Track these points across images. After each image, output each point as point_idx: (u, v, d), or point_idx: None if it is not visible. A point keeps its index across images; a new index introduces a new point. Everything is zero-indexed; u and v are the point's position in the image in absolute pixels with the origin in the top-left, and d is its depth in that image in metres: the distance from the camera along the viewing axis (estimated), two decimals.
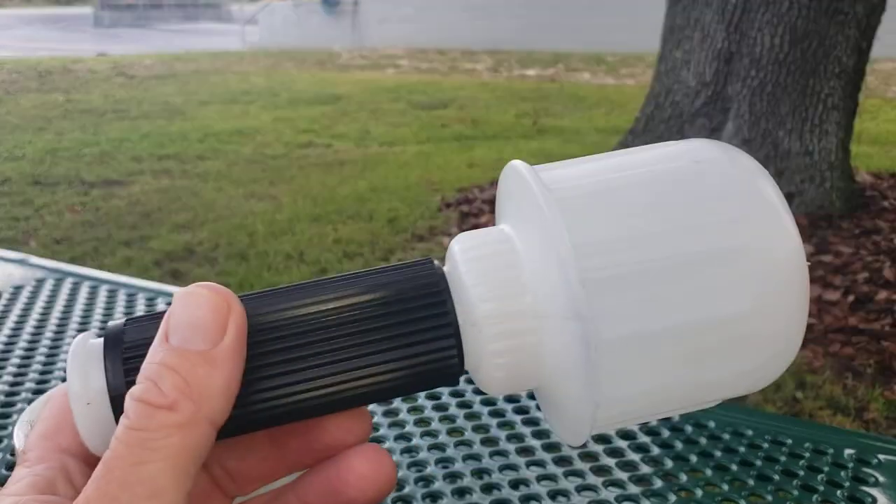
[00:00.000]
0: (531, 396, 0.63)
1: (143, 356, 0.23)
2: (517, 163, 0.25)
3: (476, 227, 3.59)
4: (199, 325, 0.22)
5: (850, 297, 2.68)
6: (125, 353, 0.23)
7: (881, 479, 0.52)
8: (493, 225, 0.28)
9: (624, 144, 3.80)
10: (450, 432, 0.58)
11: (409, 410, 0.61)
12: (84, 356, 0.24)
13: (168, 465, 0.21)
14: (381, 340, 0.24)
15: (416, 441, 0.57)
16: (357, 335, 0.24)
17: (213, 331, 0.22)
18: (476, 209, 3.82)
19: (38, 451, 0.24)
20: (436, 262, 0.26)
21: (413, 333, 0.24)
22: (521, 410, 0.60)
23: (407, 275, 0.25)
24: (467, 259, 0.25)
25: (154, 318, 0.24)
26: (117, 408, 0.23)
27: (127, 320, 0.24)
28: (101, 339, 0.24)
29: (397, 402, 0.63)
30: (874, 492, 0.51)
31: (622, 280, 0.22)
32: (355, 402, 0.25)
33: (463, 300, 0.24)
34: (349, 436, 0.26)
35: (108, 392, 0.23)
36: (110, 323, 0.25)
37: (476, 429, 0.59)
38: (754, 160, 0.25)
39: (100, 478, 0.21)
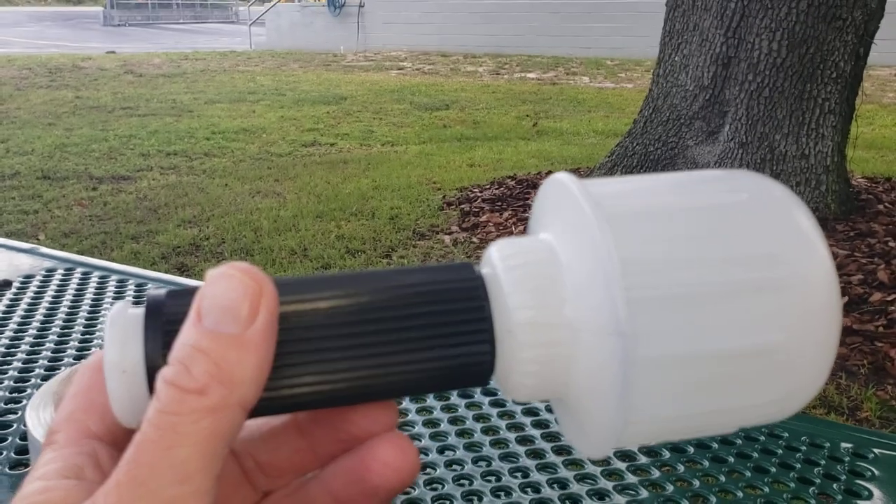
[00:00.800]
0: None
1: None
2: (564, 175, 0.25)
3: (476, 225, 3.62)
4: (231, 307, 0.22)
5: (845, 299, 2.70)
6: (165, 326, 0.23)
7: (877, 472, 0.53)
8: (523, 232, 0.28)
9: (623, 147, 3.82)
10: (459, 433, 0.59)
11: (419, 411, 0.61)
12: (123, 325, 0.23)
13: (198, 450, 0.21)
14: (417, 339, 0.24)
15: (425, 443, 0.58)
16: (393, 331, 0.24)
17: (245, 314, 0.22)
18: (476, 208, 3.84)
19: (65, 432, 0.24)
20: (475, 266, 0.26)
21: (450, 335, 0.24)
22: (530, 412, 0.61)
23: (447, 275, 0.25)
24: (508, 266, 0.24)
25: (195, 294, 0.23)
26: (153, 380, 0.22)
27: (169, 292, 0.24)
28: (142, 309, 0.24)
29: (406, 402, 0.63)
30: (870, 485, 0.51)
31: (663, 302, 0.22)
32: (385, 395, 0.25)
33: (501, 306, 0.24)
34: (377, 425, 0.26)
35: (146, 363, 0.23)
36: (150, 292, 0.25)
37: (485, 430, 0.59)
38: (789, 190, 0.25)
39: (130, 461, 0.21)
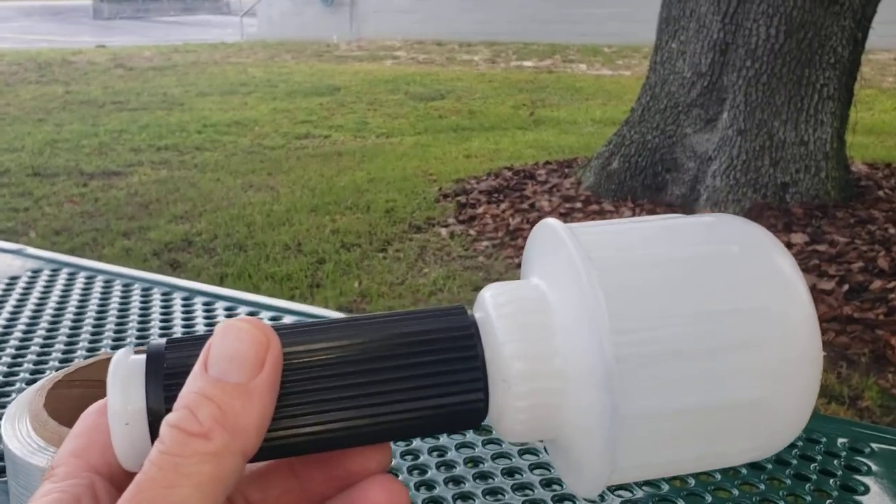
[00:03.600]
0: None
1: (183, 382, 0.23)
2: (555, 223, 0.26)
3: (473, 217, 3.60)
4: (238, 358, 0.23)
5: (845, 287, 2.69)
6: (166, 379, 0.24)
7: (874, 467, 0.52)
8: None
9: (620, 136, 3.80)
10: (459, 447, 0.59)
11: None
12: (125, 374, 0.24)
13: (198, 492, 0.21)
14: (413, 387, 0.25)
15: (424, 458, 0.57)
16: (390, 380, 0.25)
17: (251, 365, 0.23)
18: (473, 200, 3.82)
19: (66, 467, 0.25)
20: (469, 311, 0.26)
21: (445, 383, 0.25)
22: None
23: (440, 321, 0.26)
24: (502, 314, 0.25)
25: (195, 343, 0.25)
26: (154, 430, 0.23)
27: (168, 342, 0.25)
28: (143, 358, 0.25)
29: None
30: (867, 480, 0.51)
31: (651, 358, 0.23)
32: (380, 439, 0.25)
33: (495, 354, 0.25)
34: (370, 465, 0.26)
35: (147, 415, 0.24)
36: (152, 341, 0.25)
37: (486, 443, 0.59)
38: (772, 236, 0.26)
39: (131, 497, 0.22)
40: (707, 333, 0.24)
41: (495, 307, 0.26)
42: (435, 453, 0.57)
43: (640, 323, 0.24)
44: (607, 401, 0.23)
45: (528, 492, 0.53)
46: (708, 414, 0.24)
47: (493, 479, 0.54)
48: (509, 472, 0.55)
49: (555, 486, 0.52)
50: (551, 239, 0.26)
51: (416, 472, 0.56)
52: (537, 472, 0.55)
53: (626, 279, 0.24)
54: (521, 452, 0.57)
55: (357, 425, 0.24)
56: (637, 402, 0.23)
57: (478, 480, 0.54)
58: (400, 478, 0.55)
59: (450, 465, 0.56)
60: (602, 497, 0.51)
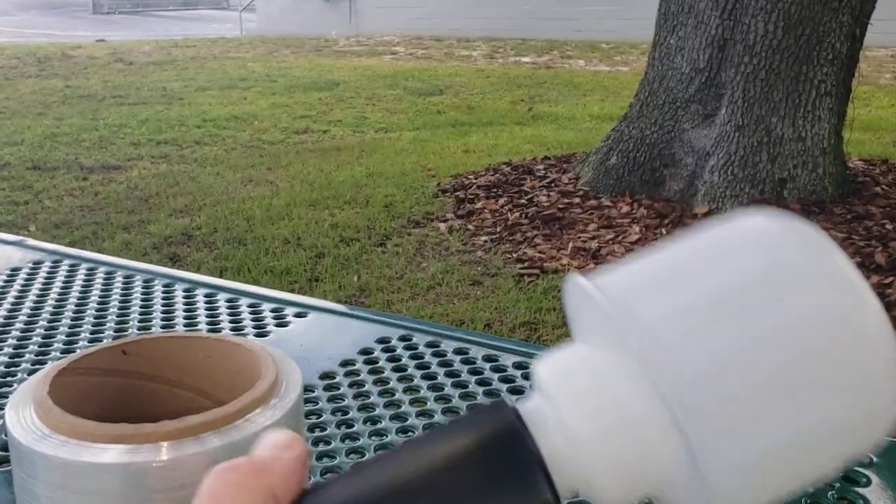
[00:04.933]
0: None
1: None
2: (582, 282, 0.25)
3: (471, 212, 3.61)
4: (272, 443, 0.26)
5: None
6: None
7: (875, 459, 0.53)
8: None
9: (619, 131, 3.81)
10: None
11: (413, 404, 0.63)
12: None
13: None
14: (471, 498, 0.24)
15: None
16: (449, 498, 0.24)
17: (280, 445, 0.26)
18: (472, 195, 3.83)
19: None
20: (507, 402, 0.25)
21: (501, 483, 0.24)
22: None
23: (478, 427, 0.25)
24: (566, 389, 0.25)
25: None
26: None
27: None
28: None
29: (406, 406, 0.63)
30: (868, 472, 0.52)
31: (726, 407, 0.22)
32: None
33: (563, 426, 0.24)
34: None
35: None
36: None
37: None
38: (823, 234, 0.24)
39: None
40: (776, 371, 0.23)
41: (555, 385, 0.25)
42: None
43: (702, 373, 0.22)
44: (688, 458, 0.22)
45: None
46: (790, 451, 0.23)
47: None
48: None
49: None
50: (583, 299, 0.25)
51: None
52: None
53: (673, 327, 0.23)
54: None
55: None
56: (719, 455, 0.22)
57: None
58: None
59: None
60: None
